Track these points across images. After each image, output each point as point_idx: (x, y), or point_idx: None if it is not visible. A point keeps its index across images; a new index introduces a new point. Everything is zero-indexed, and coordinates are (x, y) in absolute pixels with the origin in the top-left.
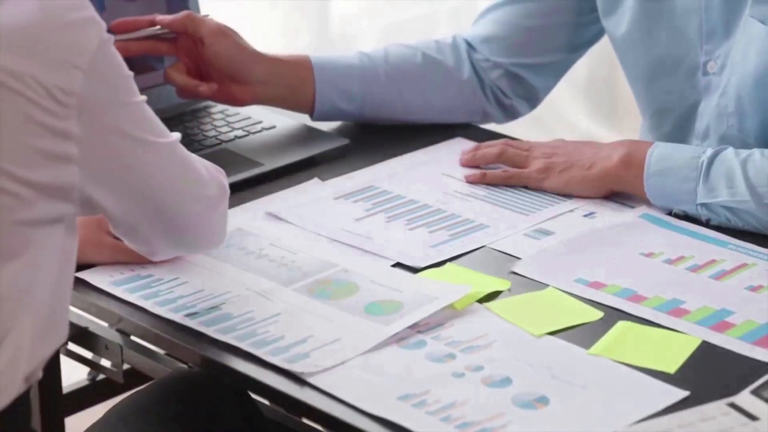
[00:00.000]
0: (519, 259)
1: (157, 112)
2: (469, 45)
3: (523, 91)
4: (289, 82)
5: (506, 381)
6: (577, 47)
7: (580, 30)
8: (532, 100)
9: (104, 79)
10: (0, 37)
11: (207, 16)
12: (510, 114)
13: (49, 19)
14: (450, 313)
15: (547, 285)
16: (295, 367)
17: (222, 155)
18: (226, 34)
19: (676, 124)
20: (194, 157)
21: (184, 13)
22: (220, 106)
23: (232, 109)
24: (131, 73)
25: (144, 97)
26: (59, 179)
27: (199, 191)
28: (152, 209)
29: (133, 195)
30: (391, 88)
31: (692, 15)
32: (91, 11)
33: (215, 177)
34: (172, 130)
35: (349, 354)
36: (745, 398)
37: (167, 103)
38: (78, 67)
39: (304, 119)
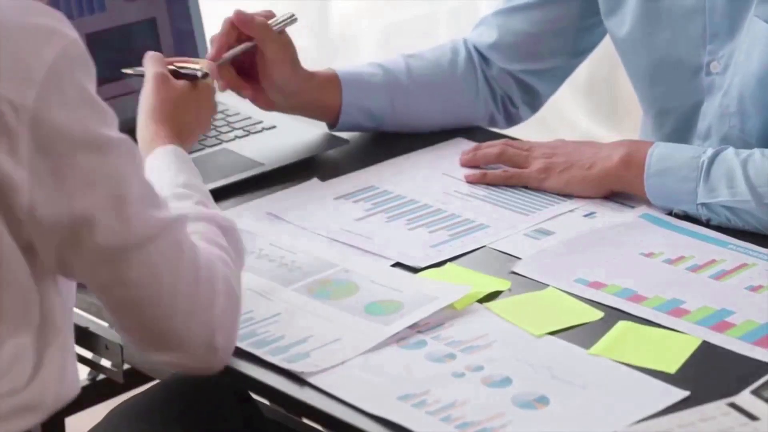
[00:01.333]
0: (519, 259)
1: None
2: (479, 52)
3: (528, 97)
4: (318, 96)
5: (506, 381)
6: (582, 51)
7: (583, 34)
8: (536, 105)
9: (63, 100)
10: None
11: (291, 19)
12: (513, 121)
13: (2, 22)
14: (450, 313)
15: (547, 285)
16: (295, 367)
17: (222, 155)
18: (291, 55)
19: (679, 124)
20: (204, 215)
21: (261, 22)
22: (220, 106)
23: (232, 109)
24: (107, 108)
25: (123, 136)
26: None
27: (186, 281)
28: (116, 289)
29: (94, 263)
30: (413, 105)
31: (695, 15)
32: (52, 20)
33: (213, 267)
34: None
35: (349, 354)
36: (745, 398)
37: None
38: (32, 80)
39: (304, 119)
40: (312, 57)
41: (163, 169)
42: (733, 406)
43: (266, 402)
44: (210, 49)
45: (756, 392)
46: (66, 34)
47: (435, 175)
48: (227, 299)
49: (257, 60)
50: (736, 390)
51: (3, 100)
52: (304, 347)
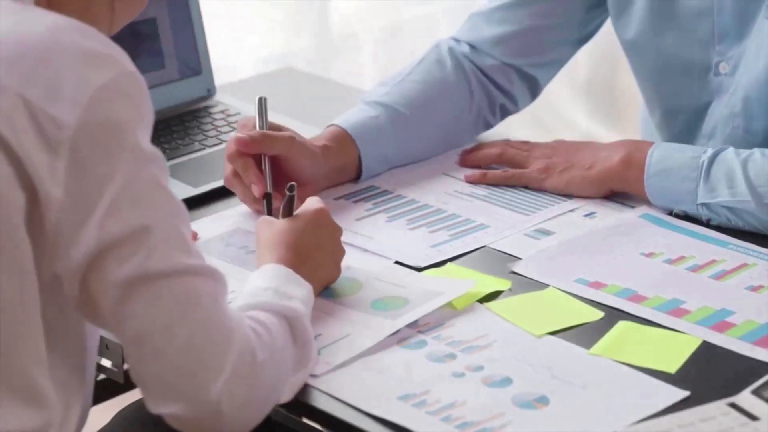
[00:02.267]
0: (519, 259)
1: (157, 113)
2: (476, 49)
3: (529, 86)
4: (341, 167)
5: (506, 381)
6: (585, 39)
7: (587, 24)
8: (536, 93)
9: (101, 127)
10: None
11: (264, 104)
12: (510, 113)
13: (56, 42)
14: (450, 313)
15: (547, 285)
16: None
17: (222, 155)
18: (299, 146)
19: (686, 124)
20: (263, 304)
21: (259, 137)
22: (220, 106)
23: (232, 109)
24: (158, 150)
25: (157, 174)
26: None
27: (190, 330)
28: (126, 321)
29: (109, 290)
30: (419, 139)
31: (704, 16)
32: (111, 49)
33: (237, 334)
34: (172, 130)
35: (358, 349)
36: (745, 398)
37: (167, 104)
38: (76, 101)
39: (304, 119)
40: (312, 57)
41: (255, 277)
42: (733, 406)
43: None
44: (255, 191)
45: (756, 392)
46: (122, 64)
47: (435, 175)
48: (242, 367)
49: (279, 165)
50: (736, 390)
51: (48, 117)
52: (315, 345)
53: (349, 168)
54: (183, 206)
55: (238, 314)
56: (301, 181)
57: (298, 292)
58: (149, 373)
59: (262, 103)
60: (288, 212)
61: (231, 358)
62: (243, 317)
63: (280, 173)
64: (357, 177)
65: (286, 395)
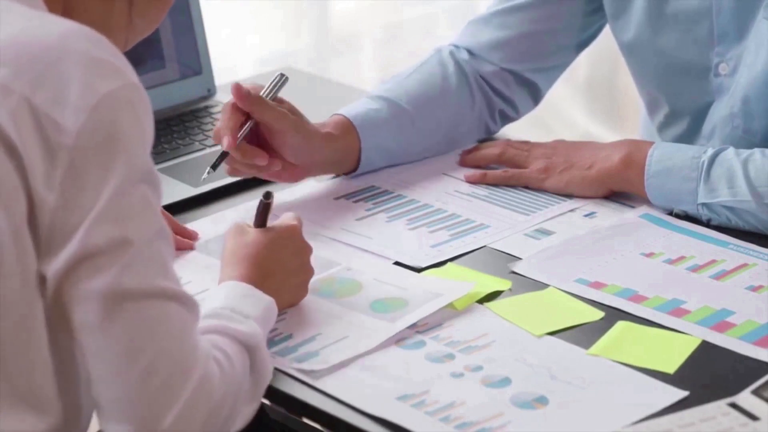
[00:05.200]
0: (519, 259)
1: (157, 113)
2: (474, 55)
3: (530, 92)
4: (342, 155)
5: (505, 381)
6: (583, 44)
7: (586, 28)
8: (537, 99)
9: (102, 135)
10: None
11: (282, 80)
12: (511, 119)
13: (65, 48)
14: (449, 313)
15: (547, 285)
16: (305, 366)
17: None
18: (292, 122)
19: (687, 125)
20: (220, 328)
21: (256, 99)
22: (220, 106)
23: None
24: (155, 170)
25: (146, 193)
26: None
27: (154, 354)
28: (92, 334)
29: (82, 300)
30: (420, 137)
31: (702, 17)
32: (119, 61)
33: (206, 369)
34: (172, 130)
35: (357, 351)
36: (745, 398)
37: (167, 104)
38: (81, 107)
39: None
40: (312, 57)
41: (214, 295)
42: (733, 406)
43: (267, 402)
44: (224, 141)
45: (756, 392)
46: (128, 76)
47: (435, 175)
48: (198, 401)
49: (267, 137)
50: (736, 390)
51: (51, 122)
52: (314, 345)
53: (349, 158)
54: (168, 230)
55: (206, 344)
56: (290, 159)
57: (256, 310)
58: (106, 392)
59: (280, 78)
60: (261, 221)
61: (188, 391)
62: (209, 347)
63: (268, 146)
64: (355, 168)
65: (238, 425)
